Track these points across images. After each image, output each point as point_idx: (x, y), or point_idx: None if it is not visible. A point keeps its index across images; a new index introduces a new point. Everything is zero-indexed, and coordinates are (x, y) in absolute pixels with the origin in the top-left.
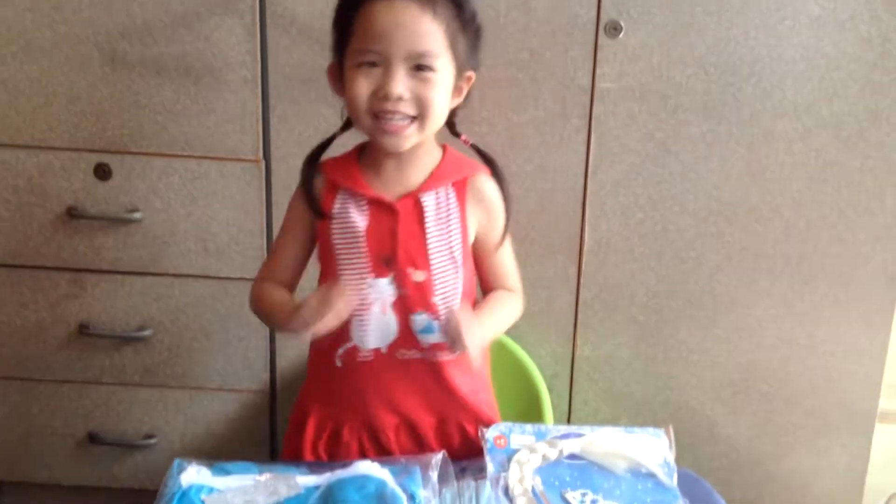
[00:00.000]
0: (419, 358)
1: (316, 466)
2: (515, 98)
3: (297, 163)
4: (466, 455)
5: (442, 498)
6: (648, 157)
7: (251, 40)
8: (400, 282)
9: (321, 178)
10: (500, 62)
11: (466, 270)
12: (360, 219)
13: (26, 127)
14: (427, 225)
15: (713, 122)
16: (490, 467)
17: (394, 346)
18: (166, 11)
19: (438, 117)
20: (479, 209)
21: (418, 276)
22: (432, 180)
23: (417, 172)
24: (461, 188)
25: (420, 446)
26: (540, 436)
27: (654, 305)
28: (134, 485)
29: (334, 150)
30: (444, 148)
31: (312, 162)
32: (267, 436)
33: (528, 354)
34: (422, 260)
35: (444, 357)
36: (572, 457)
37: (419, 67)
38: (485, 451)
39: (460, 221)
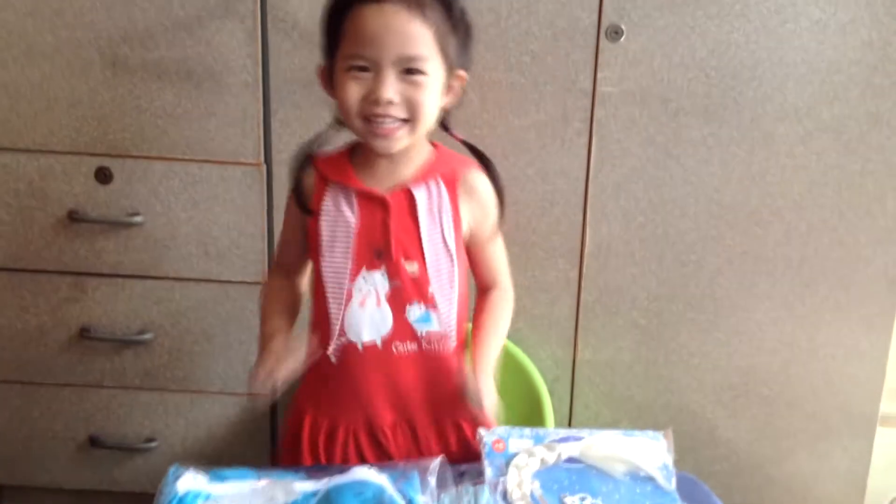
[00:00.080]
0: (414, 353)
1: (314, 472)
2: (517, 101)
3: None
4: (464, 455)
5: (440, 503)
6: (649, 161)
7: (252, 44)
8: (393, 274)
9: (313, 174)
10: (501, 66)
11: (460, 264)
12: (351, 212)
13: (27, 131)
14: (419, 217)
15: (714, 125)
16: (488, 472)
17: (389, 340)
18: (167, 16)
19: (429, 119)
20: (471, 204)
21: (411, 267)
22: (423, 174)
23: (408, 168)
24: (452, 183)
25: (417, 445)
26: (538, 439)
27: (654, 309)
28: (135, 488)
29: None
30: (434, 146)
31: (301, 158)
32: (268, 439)
33: (529, 358)
34: (415, 251)
35: (441, 350)
36: (571, 460)
37: (409, 71)
38: (483, 456)
39: (452, 215)
